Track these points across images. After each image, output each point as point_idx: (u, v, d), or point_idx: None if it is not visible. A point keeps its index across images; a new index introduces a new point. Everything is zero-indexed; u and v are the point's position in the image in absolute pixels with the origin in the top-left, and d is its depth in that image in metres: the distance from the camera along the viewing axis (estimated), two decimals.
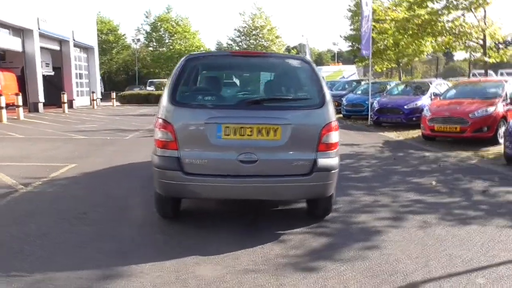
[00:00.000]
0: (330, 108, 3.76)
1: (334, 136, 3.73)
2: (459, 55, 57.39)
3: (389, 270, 3.05)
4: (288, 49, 50.55)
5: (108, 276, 2.97)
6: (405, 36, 17.22)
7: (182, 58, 4.04)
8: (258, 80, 4.12)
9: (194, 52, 4.46)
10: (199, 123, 3.69)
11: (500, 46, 17.61)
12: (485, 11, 15.96)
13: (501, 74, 29.39)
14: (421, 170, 6.49)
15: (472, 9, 15.59)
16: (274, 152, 3.64)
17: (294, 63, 4.07)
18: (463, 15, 15.76)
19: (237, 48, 40.47)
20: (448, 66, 65.96)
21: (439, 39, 16.84)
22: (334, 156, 3.75)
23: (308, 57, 3.90)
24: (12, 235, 3.74)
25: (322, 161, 3.69)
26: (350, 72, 28.33)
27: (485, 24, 15.82)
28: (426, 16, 15.82)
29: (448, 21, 15.77)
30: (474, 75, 28.03)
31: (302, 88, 3.85)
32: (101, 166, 6.78)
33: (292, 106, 3.75)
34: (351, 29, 25.13)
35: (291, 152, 3.66)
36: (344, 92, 18.38)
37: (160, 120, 3.72)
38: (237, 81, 4.12)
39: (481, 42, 15.95)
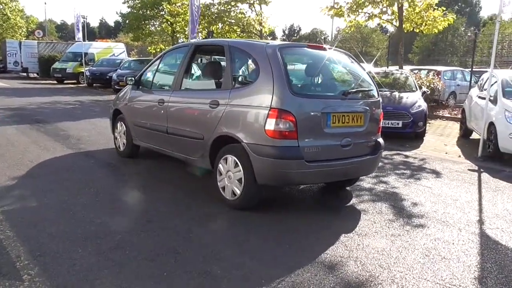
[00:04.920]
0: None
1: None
2: None
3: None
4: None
5: None
6: (202, 22, 18.20)
7: (272, 48, 3.80)
8: (333, 72, 4.30)
9: (285, 42, 3.91)
10: (316, 112, 3.72)
11: (269, 37, 21.04)
12: (261, 7, 18.75)
13: None
14: None
15: (255, 5, 18.09)
16: (360, 136, 4.08)
17: (346, 56, 4.48)
18: (250, 8, 18.07)
19: None
20: None
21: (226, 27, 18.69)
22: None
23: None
24: None
25: (381, 141, 4.40)
26: (120, 50, 27.24)
27: (261, 18, 18.64)
28: (221, 7, 17.40)
29: (240, 12, 17.77)
30: None
31: (364, 80, 4.34)
32: None
33: (367, 96, 4.23)
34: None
35: (368, 135, 4.20)
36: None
37: (279, 110, 3.53)
38: (322, 73, 4.16)
39: (258, 32, 18.74)
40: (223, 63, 4.53)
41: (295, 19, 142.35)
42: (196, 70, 5.10)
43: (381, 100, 4.37)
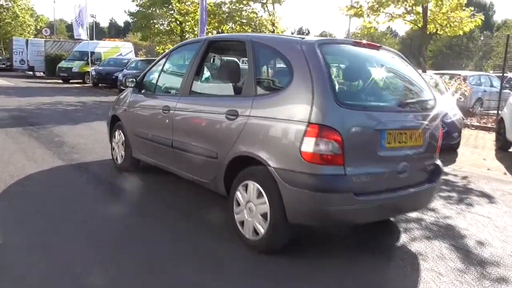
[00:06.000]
0: None
1: None
2: None
3: None
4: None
5: None
6: (212, 21, 17.36)
7: (309, 45, 2.90)
8: (385, 77, 3.37)
9: (325, 38, 2.97)
10: (369, 129, 2.81)
11: None
12: (274, 7, 17.88)
13: None
14: None
15: (268, 4, 17.22)
16: (419, 158, 3.16)
17: (398, 57, 3.54)
18: (263, 8, 17.20)
19: None
20: None
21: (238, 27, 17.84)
22: None
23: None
24: None
25: (441, 164, 3.48)
26: (127, 49, 26.47)
27: (274, 18, 17.77)
28: (233, 6, 16.55)
29: (252, 11, 16.90)
30: None
31: (422, 87, 3.42)
32: None
33: (425, 107, 3.31)
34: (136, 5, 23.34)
35: (427, 157, 3.27)
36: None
37: (320, 126, 2.62)
38: (372, 78, 3.24)
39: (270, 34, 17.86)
40: (243, 65, 3.62)
41: (303, 22, 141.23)
42: (209, 72, 4.18)
43: (442, 113, 3.45)
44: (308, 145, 2.63)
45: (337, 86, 2.77)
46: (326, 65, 2.77)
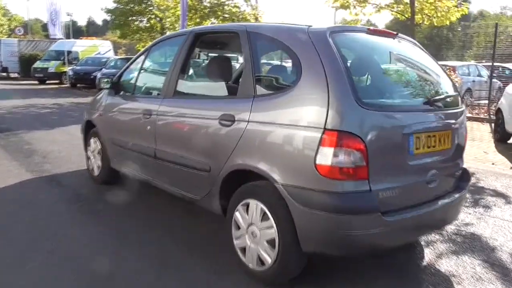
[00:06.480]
0: None
1: None
2: None
3: None
4: None
5: None
6: (194, 17, 16.66)
7: (319, 33, 2.38)
8: (407, 70, 2.85)
9: (335, 25, 2.44)
10: (396, 134, 2.31)
11: None
12: (256, 0, 17.32)
13: None
14: None
15: None
16: (447, 164, 2.69)
17: (416, 46, 3.03)
18: (245, 1, 16.63)
19: None
20: None
21: (220, 22, 17.20)
22: None
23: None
24: None
25: (466, 168, 3.02)
26: (106, 48, 25.48)
27: (257, 12, 17.22)
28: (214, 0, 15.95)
29: (235, 6, 16.30)
30: None
31: (445, 81, 2.93)
32: None
33: (451, 104, 2.82)
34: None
35: (455, 162, 2.80)
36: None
37: (340, 133, 2.11)
38: (393, 71, 2.73)
39: None
40: (235, 61, 3.07)
41: (286, 15, 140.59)
42: (197, 69, 3.61)
43: (465, 110, 2.98)
44: (325, 157, 2.12)
45: (356, 83, 2.25)
46: (342, 57, 2.26)
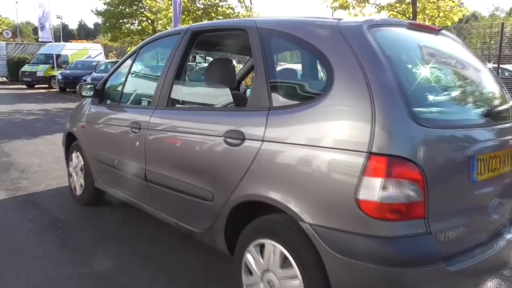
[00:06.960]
0: None
1: None
2: None
3: None
4: None
5: None
6: (186, 19, 16.11)
7: (354, 28, 1.84)
8: (459, 74, 2.30)
9: (371, 18, 1.95)
10: (458, 157, 1.78)
11: None
12: (251, 1, 16.83)
13: None
14: None
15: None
16: (507, 189, 2.17)
17: (462, 45, 2.49)
18: (240, 2, 16.12)
19: None
20: None
21: None
22: None
23: None
24: None
25: None
26: (96, 51, 24.79)
27: (251, 13, 16.73)
28: (208, 1, 15.46)
29: (229, 7, 15.80)
30: None
31: (498, 87, 2.41)
32: None
33: (509, 117, 2.30)
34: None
35: None
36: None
37: (390, 159, 1.58)
38: (446, 76, 2.19)
39: None
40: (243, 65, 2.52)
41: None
42: (195, 74, 3.05)
43: None
44: (370, 190, 1.59)
45: (408, 92, 1.72)
46: (387, 58, 1.73)
